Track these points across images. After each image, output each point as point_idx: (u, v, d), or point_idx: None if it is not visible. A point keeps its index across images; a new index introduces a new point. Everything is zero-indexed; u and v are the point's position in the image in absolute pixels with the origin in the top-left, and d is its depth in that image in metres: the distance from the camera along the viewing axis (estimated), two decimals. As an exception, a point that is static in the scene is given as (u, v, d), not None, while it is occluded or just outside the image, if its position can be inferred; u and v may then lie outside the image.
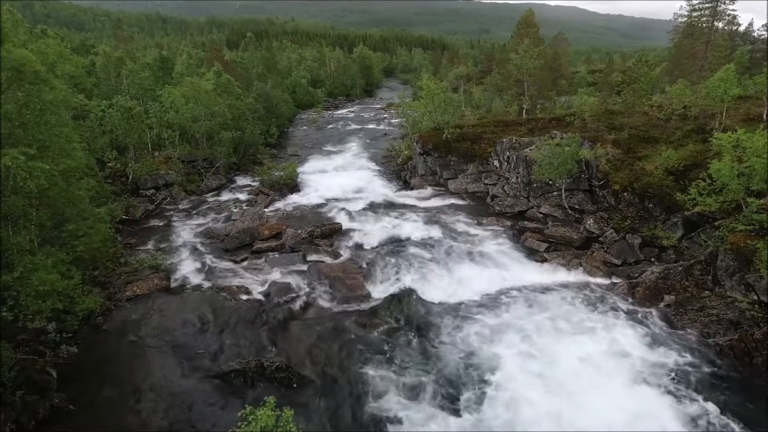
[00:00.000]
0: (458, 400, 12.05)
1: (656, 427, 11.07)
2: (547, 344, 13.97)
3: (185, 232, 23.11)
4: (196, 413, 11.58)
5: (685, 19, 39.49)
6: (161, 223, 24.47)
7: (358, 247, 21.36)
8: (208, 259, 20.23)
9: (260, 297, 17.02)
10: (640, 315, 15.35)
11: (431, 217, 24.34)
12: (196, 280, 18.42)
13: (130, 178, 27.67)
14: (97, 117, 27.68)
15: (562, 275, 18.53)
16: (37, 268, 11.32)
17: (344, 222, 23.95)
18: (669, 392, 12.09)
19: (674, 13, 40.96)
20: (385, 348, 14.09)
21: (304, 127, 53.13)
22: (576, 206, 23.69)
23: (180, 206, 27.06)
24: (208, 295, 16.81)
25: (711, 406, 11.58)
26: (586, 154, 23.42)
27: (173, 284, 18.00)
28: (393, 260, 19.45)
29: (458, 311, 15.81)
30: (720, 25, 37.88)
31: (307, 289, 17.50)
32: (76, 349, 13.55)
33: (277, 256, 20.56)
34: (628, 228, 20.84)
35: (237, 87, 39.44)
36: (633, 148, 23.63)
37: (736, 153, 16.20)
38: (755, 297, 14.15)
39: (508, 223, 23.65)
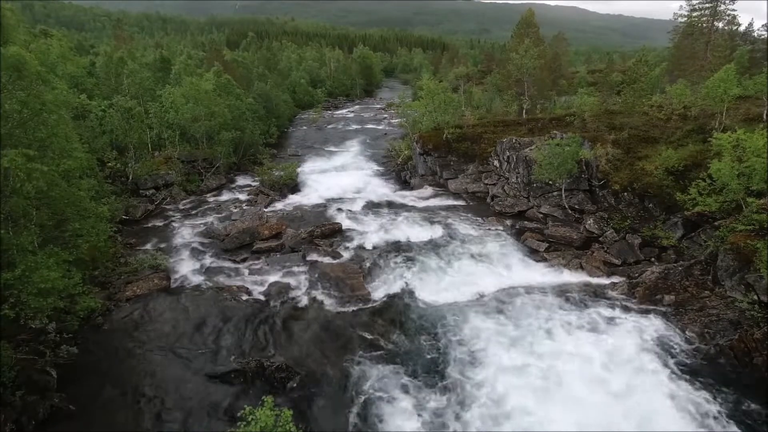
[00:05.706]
0: (458, 400, 12.05)
1: (656, 427, 11.07)
2: (546, 344, 13.99)
3: (185, 232, 23.10)
4: (196, 413, 11.59)
5: (685, 19, 39.55)
6: (161, 223, 24.47)
7: (358, 247, 21.34)
8: (208, 259, 20.24)
9: (260, 297, 17.04)
10: (640, 315, 15.35)
11: (431, 217, 24.34)
12: (196, 280, 18.42)
13: (130, 178, 27.66)
14: (97, 117, 27.69)
15: (562, 275, 18.52)
16: (38, 267, 11.32)
17: (344, 222, 23.94)
18: (668, 392, 12.08)
19: (674, 13, 41.02)
20: (386, 348, 14.10)
21: (304, 127, 53.09)
22: (576, 206, 23.69)
23: (180, 206, 27.06)
24: (208, 295, 16.82)
25: (711, 406, 11.58)
26: (586, 154, 23.42)
27: (173, 284, 18.01)
28: (393, 260, 19.46)
29: (458, 311, 15.81)
30: (720, 25, 37.94)
31: (307, 289, 17.51)
32: (76, 349, 13.55)
33: (277, 256, 20.56)
34: (628, 228, 20.83)
35: (237, 87, 39.44)
36: (633, 148, 23.62)
37: (736, 153, 16.20)
38: (755, 297, 14.14)
39: (508, 223, 23.66)
